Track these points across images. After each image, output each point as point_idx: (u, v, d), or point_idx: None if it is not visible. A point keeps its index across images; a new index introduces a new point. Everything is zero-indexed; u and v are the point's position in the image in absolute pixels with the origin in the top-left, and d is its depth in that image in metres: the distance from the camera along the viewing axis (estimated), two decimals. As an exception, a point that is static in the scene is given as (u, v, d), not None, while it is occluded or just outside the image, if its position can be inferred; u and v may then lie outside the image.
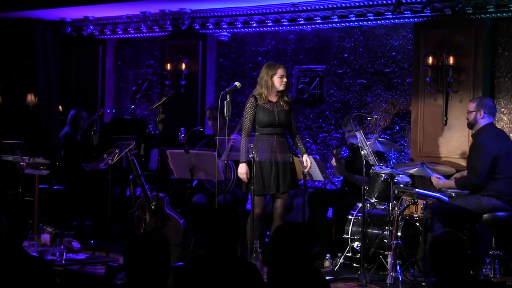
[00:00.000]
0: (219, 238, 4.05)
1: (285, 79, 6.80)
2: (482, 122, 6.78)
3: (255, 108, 6.79)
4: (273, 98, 6.83)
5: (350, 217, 7.31)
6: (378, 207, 7.30)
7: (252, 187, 6.60)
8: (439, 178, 6.87)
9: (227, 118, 6.62)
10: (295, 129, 7.01)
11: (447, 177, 7.00)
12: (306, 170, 6.92)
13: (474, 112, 6.79)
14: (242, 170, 6.72)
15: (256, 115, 6.80)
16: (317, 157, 7.22)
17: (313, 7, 8.81)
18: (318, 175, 7.33)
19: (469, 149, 6.99)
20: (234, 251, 4.13)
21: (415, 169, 6.84)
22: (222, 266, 3.97)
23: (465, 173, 6.92)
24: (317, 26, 9.08)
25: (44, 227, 7.39)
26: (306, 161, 6.89)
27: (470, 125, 6.90)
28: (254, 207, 6.70)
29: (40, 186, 8.38)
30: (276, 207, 6.86)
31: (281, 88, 6.80)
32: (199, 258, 4.14)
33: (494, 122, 6.97)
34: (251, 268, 4.03)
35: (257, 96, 6.82)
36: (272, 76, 6.78)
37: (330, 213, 8.02)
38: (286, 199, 6.91)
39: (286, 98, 6.85)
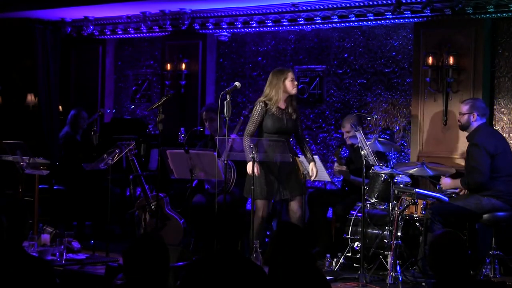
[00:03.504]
0: (227, 239, 4.13)
1: (296, 82, 6.86)
2: (475, 124, 6.79)
3: (264, 114, 6.79)
4: (282, 105, 6.84)
5: (350, 217, 7.32)
6: (378, 207, 7.30)
7: (252, 187, 6.59)
8: (446, 179, 6.88)
9: (227, 118, 6.61)
10: (302, 135, 7.07)
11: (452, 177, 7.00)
12: (312, 179, 6.93)
13: (467, 115, 6.80)
14: (251, 167, 6.67)
15: (264, 121, 6.80)
16: (317, 157, 7.22)
17: (313, 7, 8.81)
18: (324, 176, 7.35)
19: (466, 152, 6.97)
20: (240, 252, 4.21)
21: (415, 169, 6.84)
22: (230, 266, 4.02)
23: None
24: (317, 26, 9.07)
25: (44, 227, 7.38)
26: (312, 170, 6.90)
27: (463, 127, 6.92)
28: (258, 210, 6.72)
29: (40, 186, 8.38)
30: (293, 211, 6.83)
31: (293, 91, 6.83)
32: (207, 258, 4.20)
33: (486, 123, 6.97)
34: (258, 270, 4.08)
35: (267, 102, 6.82)
36: (284, 80, 6.80)
37: (330, 213, 8.02)
38: (302, 201, 6.89)
39: (294, 103, 6.89)
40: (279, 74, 6.85)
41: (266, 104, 6.80)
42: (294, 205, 6.83)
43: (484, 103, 7.07)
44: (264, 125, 6.82)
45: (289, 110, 6.85)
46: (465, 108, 6.83)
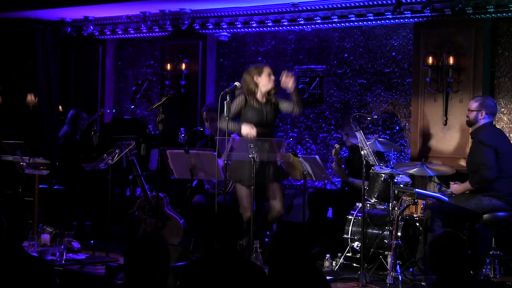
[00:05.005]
0: (227, 239, 4.15)
1: (273, 77, 6.89)
2: (483, 121, 6.78)
3: (244, 105, 6.85)
4: (262, 99, 6.88)
5: (350, 217, 7.31)
6: (378, 207, 7.30)
7: (252, 184, 6.60)
8: (455, 184, 6.87)
9: (227, 118, 6.62)
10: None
11: (451, 178, 6.99)
12: (288, 81, 6.88)
13: (475, 112, 6.78)
14: (247, 128, 6.71)
15: (243, 112, 6.85)
16: (317, 157, 7.22)
17: (313, 7, 8.81)
18: (317, 175, 7.33)
19: (470, 150, 6.98)
20: (239, 252, 4.22)
21: (415, 169, 6.83)
22: (230, 266, 4.03)
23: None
24: (317, 26, 9.08)
25: (44, 227, 7.38)
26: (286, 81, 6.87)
27: (470, 124, 6.89)
28: (249, 204, 6.73)
29: (40, 186, 8.38)
30: (274, 210, 6.84)
31: (268, 86, 6.85)
32: (207, 258, 4.21)
33: (493, 122, 6.97)
34: (257, 269, 4.09)
35: (246, 94, 6.87)
36: (260, 74, 6.84)
37: (330, 213, 8.02)
38: (282, 200, 6.90)
39: (274, 100, 6.92)
40: (255, 69, 6.92)
41: (245, 96, 6.87)
42: (274, 204, 6.83)
43: (494, 102, 7.05)
44: (244, 116, 6.86)
45: (271, 102, 6.90)
46: (474, 105, 6.82)
